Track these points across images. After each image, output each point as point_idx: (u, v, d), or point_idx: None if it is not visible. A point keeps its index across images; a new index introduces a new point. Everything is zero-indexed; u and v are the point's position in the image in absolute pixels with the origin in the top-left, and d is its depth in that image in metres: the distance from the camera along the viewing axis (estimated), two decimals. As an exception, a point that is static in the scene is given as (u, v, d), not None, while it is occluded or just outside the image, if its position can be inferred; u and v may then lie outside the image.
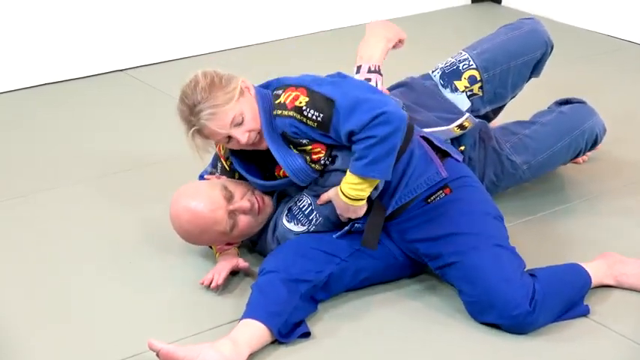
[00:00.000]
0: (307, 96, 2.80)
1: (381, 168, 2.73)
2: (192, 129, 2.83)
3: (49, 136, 4.07)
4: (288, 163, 2.85)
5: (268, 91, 2.91)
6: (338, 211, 2.86)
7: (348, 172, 2.77)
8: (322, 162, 2.85)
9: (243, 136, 2.83)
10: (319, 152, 2.84)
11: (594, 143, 3.46)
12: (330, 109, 2.76)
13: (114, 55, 4.73)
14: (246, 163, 2.99)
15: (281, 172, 2.94)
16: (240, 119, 2.82)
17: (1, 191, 3.60)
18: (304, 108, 2.79)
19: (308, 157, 2.85)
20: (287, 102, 2.82)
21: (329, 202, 2.87)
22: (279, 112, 2.83)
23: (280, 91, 2.87)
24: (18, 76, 4.53)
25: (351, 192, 2.78)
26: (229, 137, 2.84)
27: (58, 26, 4.58)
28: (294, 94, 2.82)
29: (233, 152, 2.99)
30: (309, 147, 2.84)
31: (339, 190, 2.80)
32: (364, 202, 2.81)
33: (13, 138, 4.06)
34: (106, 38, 4.71)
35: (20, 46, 4.52)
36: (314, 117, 2.78)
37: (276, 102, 2.84)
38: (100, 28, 4.69)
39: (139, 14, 4.78)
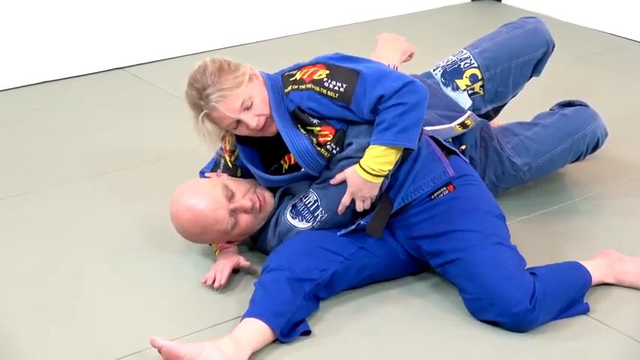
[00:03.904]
0: (327, 69, 2.83)
1: (411, 136, 2.77)
2: (202, 113, 2.84)
3: (48, 134, 4.07)
4: (295, 143, 2.86)
5: (277, 75, 2.94)
6: (350, 192, 2.84)
7: (371, 147, 2.78)
8: (328, 147, 2.86)
9: (252, 120, 2.83)
10: (327, 135, 2.85)
11: (595, 147, 3.46)
12: (355, 80, 2.79)
13: (114, 53, 4.73)
14: (252, 157, 3.00)
15: (286, 157, 2.94)
16: (250, 103, 2.83)
17: (1, 189, 3.60)
18: (325, 80, 2.81)
19: (315, 139, 2.85)
20: (305, 77, 2.84)
21: (343, 182, 2.85)
22: (295, 87, 2.85)
23: (295, 71, 2.90)
24: (17, 74, 4.53)
25: (374, 165, 2.78)
26: (238, 122, 2.85)
27: (57, 24, 4.58)
28: (312, 69, 2.85)
29: (240, 140, 2.98)
30: (318, 128, 2.85)
31: (359, 166, 2.80)
32: (381, 180, 2.82)
33: (12, 136, 4.06)
34: (105, 36, 4.71)
35: (20, 44, 4.52)
36: (336, 87, 2.80)
37: (291, 79, 2.87)
38: (100, 25, 4.69)
39: (139, 12, 4.78)
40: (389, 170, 2.81)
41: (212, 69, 2.82)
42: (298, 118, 2.86)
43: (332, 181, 2.88)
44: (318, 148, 2.86)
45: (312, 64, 2.88)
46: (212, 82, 2.81)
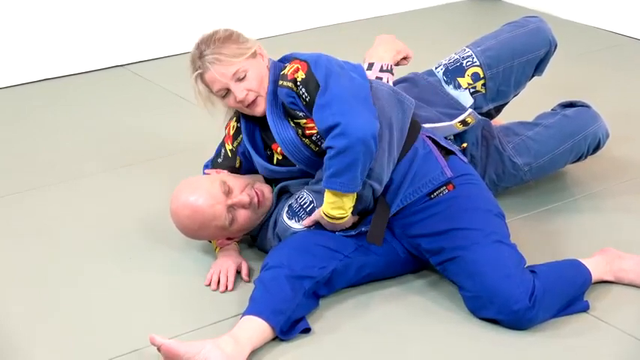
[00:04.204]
0: (305, 73, 2.85)
1: (343, 181, 2.75)
2: (197, 72, 2.91)
3: (50, 131, 4.07)
4: (280, 131, 2.90)
5: (281, 64, 2.97)
6: (327, 228, 2.90)
7: (325, 190, 2.81)
8: (314, 138, 2.88)
9: (240, 93, 2.88)
10: (312, 128, 2.88)
11: (596, 148, 3.45)
12: (314, 95, 2.80)
13: (114, 51, 4.74)
14: (254, 143, 3.02)
15: (278, 149, 2.96)
16: (243, 75, 2.88)
17: (2, 187, 3.60)
18: (299, 83, 2.84)
19: (300, 131, 2.89)
20: (289, 73, 2.88)
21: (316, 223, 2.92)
22: (281, 82, 2.89)
23: (287, 63, 2.93)
24: (18, 71, 4.53)
25: (331, 212, 2.82)
26: (227, 91, 2.89)
27: (57, 21, 4.59)
28: (296, 66, 2.88)
29: (244, 117, 3.01)
30: (304, 121, 2.88)
31: (322, 212, 2.84)
32: (348, 216, 2.84)
33: (14, 133, 4.07)
34: (105, 33, 4.71)
35: (20, 42, 4.52)
36: (304, 95, 2.83)
37: (282, 73, 2.90)
38: (100, 23, 4.69)
39: (139, 9, 4.78)
40: (349, 210, 2.82)
41: (220, 35, 2.91)
42: (287, 110, 2.89)
43: (304, 223, 2.91)
44: (303, 139, 2.89)
45: (301, 59, 2.89)
46: (215, 45, 2.89)
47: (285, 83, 2.87)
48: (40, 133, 4.05)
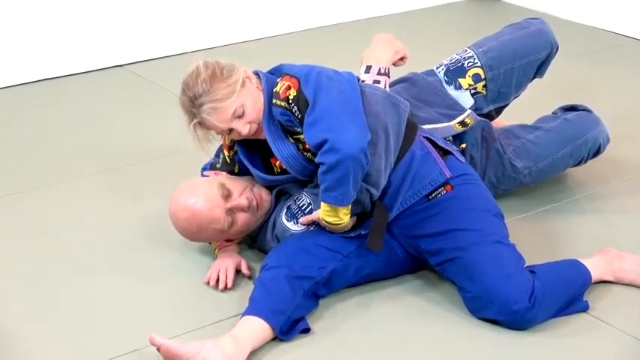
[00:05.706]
0: (297, 90, 2.81)
1: (336, 195, 2.74)
2: (194, 121, 2.84)
3: (48, 132, 4.07)
4: (280, 149, 2.87)
5: (274, 77, 2.92)
6: (326, 230, 2.89)
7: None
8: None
9: (244, 128, 2.84)
10: None
11: (597, 152, 3.44)
12: (304, 111, 2.77)
13: (113, 51, 4.73)
14: (250, 155, 3.00)
15: (277, 162, 2.95)
16: (241, 111, 2.82)
17: (2, 187, 3.60)
18: (291, 101, 2.81)
19: (301, 145, 2.87)
20: (280, 91, 2.83)
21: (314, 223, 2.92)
22: (275, 101, 2.84)
23: (279, 79, 2.88)
24: (18, 71, 4.53)
25: (327, 219, 2.82)
26: (230, 129, 2.85)
27: (57, 21, 4.59)
28: (287, 84, 2.83)
29: (238, 142, 2.99)
30: (303, 136, 2.85)
31: (320, 216, 2.84)
32: (346, 222, 2.84)
33: (13, 133, 4.07)
34: (104, 34, 4.71)
35: (20, 42, 4.52)
36: (297, 113, 2.80)
37: (274, 90, 2.86)
38: (99, 23, 4.69)
39: (138, 9, 4.78)
40: (345, 217, 2.82)
41: (204, 76, 2.81)
42: (284, 127, 2.87)
43: (302, 221, 2.91)
44: (305, 153, 2.87)
45: (291, 75, 2.85)
46: (204, 91, 2.80)
47: (278, 102, 2.83)
48: (40, 133, 4.05)
